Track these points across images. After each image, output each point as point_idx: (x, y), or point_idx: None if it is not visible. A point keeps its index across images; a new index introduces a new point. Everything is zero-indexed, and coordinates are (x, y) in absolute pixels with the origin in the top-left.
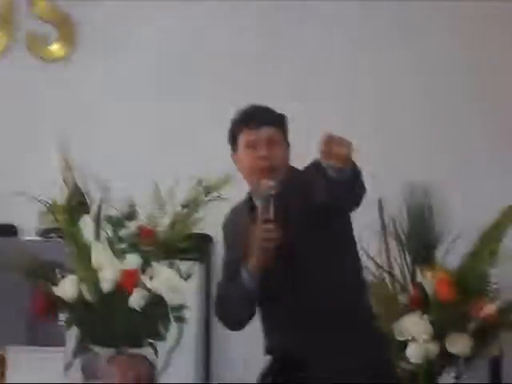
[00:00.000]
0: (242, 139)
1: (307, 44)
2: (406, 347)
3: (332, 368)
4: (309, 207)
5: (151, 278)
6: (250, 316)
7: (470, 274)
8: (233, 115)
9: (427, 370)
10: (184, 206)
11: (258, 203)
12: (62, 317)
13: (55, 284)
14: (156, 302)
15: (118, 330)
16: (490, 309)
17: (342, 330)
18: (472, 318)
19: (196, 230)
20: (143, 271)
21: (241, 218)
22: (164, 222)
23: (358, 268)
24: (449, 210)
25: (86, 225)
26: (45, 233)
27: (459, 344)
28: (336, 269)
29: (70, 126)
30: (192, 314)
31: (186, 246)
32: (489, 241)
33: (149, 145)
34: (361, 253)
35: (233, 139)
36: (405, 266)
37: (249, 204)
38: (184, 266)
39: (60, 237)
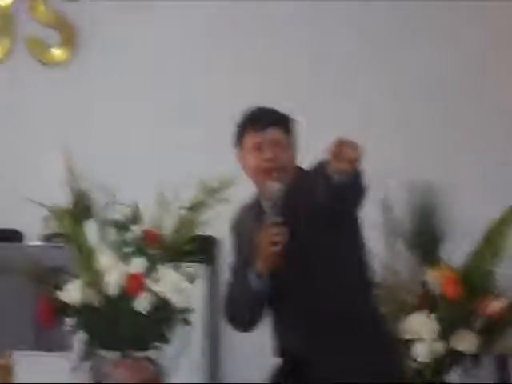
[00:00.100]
0: (248, 141)
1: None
2: (412, 346)
3: (340, 369)
4: (315, 208)
5: (157, 281)
6: (259, 318)
7: (476, 271)
8: (238, 116)
9: (434, 368)
10: (189, 209)
11: (265, 205)
12: (68, 322)
13: (60, 289)
14: (162, 305)
15: (124, 333)
16: (495, 306)
17: (350, 331)
18: (478, 315)
19: (201, 233)
20: (148, 275)
21: (249, 220)
22: (169, 225)
23: (365, 268)
24: (454, 208)
25: (91, 229)
26: (49, 238)
27: (466, 342)
28: (343, 270)
29: (73, 129)
30: (198, 317)
31: (191, 248)
32: (494, 238)
33: (152, 147)
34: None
35: (238, 140)
36: (411, 265)
37: (256, 206)
38: (190, 268)
39: (64, 242)
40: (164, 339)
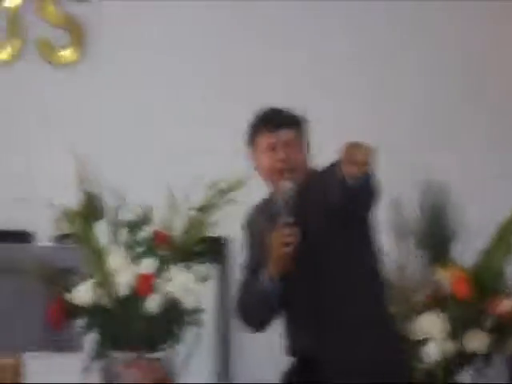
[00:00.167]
0: (261, 141)
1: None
2: (423, 346)
3: (351, 368)
4: (327, 210)
5: (167, 281)
6: (271, 318)
7: (487, 271)
8: (252, 117)
9: (445, 368)
10: (198, 210)
11: (278, 205)
12: (79, 322)
13: (71, 290)
14: (172, 305)
15: (135, 334)
16: (506, 305)
17: (361, 331)
18: (489, 315)
19: (211, 234)
20: (159, 275)
21: (261, 220)
22: (179, 226)
23: (377, 269)
24: (464, 207)
25: (101, 230)
26: (60, 239)
27: (476, 341)
28: (355, 270)
29: (83, 130)
30: (209, 317)
31: (201, 249)
32: (505, 238)
33: (163, 148)
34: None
35: (251, 141)
36: (421, 265)
37: (269, 206)
38: (200, 269)
39: (75, 243)
40: (175, 339)
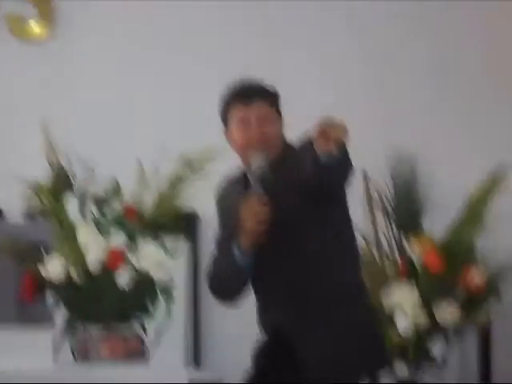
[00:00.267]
0: (234, 115)
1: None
2: (395, 319)
3: (326, 343)
4: (301, 186)
5: (138, 256)
6: (242, 291)
7: (457, 243)
8: (223, 91)
9: (417, 340)
10: (168, 184)
11: (251, 179)
12: (50, 297)
13: (42, 265)
14: (143, 279)
15: (107, 308)
16: (477, 277)
17: (335, 306)
18: (460, 287)
19: (182, 208)
20: (129, 249)
21: (234, 193)
22: (148, 199)
23: (352, 244)
24: (434, 179)
25: (71, 205)
26: (29, 213)
27: (448, 313)
28: (330, 246)
29: (53, 105)
30: (180, 291)
31: (171, 223)
32: (475, 210)
33: (133, 122)
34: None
35: (224, 114)
36: (391, 238)
37: (242, 179)
38: (171, 243)
39: (45, 217)
40: (147, 314)
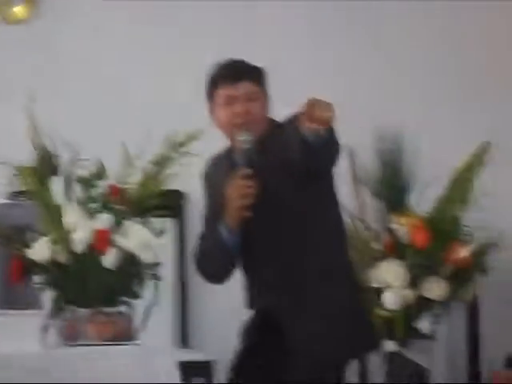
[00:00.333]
0: (219, 94)
1: None
2: (382, 295)
3: (311, 319)
4: (288, 165)
5: (124, 236)
6: (230, 271)
7: (443, 218)
8: (209, 69)
9: (404, 315)
10: (154, 163)
11: (237, 158)
12: (36, 279)
13: (28, 247)
14: (130, 260)
15: (93, 289)
16: (463, 252)
17: (323, 285)
18: (446, 262)
19: (168, 187)
20: (115, 230)
21: (220, 172)
22: (134, 180)
23: (339, 222)
24: (419, 155)
25: (56, 186)
26: (14, 196)
27: (435, 289)
28: (317, 224)
29: (37, 87)
30: (167, 271)
31: (157, 203)
32: (460, 184)
33: (117, 103)
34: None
35: (209, 93)
36: (377, 213)
37: (228, 158)
38: (157, 223)
39: (30, 199)
40: (134, 294)
